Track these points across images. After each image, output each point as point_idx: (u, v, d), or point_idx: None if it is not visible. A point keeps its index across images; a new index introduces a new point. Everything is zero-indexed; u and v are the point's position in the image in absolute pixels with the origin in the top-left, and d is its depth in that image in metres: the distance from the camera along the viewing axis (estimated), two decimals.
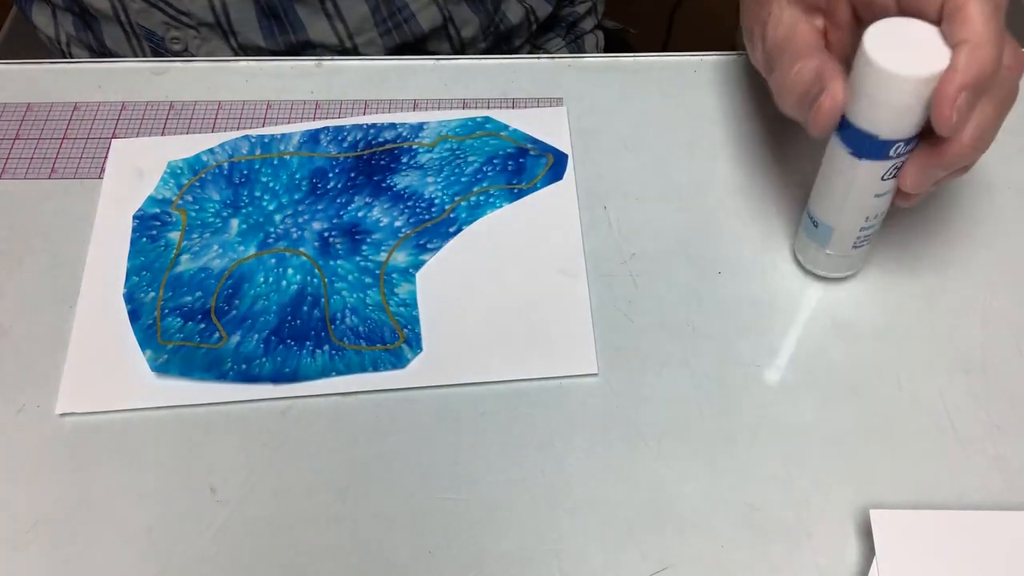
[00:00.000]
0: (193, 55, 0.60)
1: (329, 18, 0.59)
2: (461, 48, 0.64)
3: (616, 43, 0.80)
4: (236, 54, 0.60)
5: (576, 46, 0.73)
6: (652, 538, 0.41)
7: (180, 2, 0.58)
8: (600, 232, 0.50)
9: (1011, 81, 0.39)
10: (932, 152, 0.40)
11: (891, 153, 0.40)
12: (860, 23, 0.42)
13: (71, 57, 0.65)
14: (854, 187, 0.42)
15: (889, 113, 0.38)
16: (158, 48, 0.61)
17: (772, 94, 0.43)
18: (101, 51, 0.63)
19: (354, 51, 0.61)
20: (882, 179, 0.41)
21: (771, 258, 0.49)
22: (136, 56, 0.62)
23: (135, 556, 0.41)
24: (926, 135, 0.39)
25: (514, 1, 0.65)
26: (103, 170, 0.52)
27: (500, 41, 0.66)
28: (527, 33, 0.68)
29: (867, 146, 0.40)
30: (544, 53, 0.70)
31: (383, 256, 0.49)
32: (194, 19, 0.59)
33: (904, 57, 0.37)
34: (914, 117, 0.39)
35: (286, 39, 0.59)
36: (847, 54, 0.43)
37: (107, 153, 0.53)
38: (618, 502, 0.42)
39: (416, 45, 0.62)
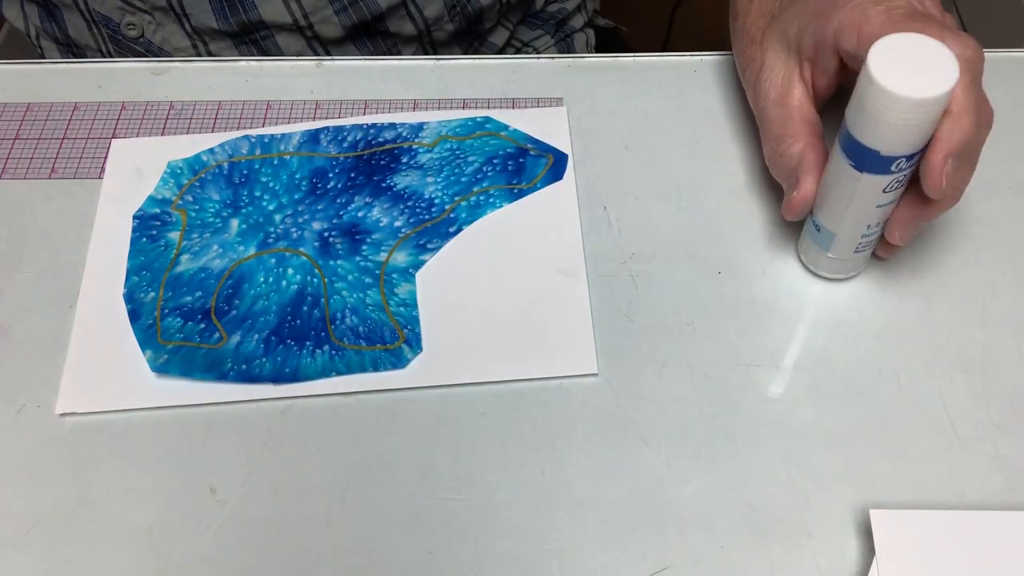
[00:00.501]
0: (150, 41, 0.60)
1: None
2: (427, 29, 0.62)
3: (614, 43, 0.80)
4: (191, 39, 0.60)
5: (565, 44, 0.72)
6: (652, 538, 0.41)
7: None
8: (600, 232, 0.50)
9: (984, 135, 0.42)
10: (918, 209, 0.43)
11: (892, 168, 0.40)
12: (847, 69, 0.45)
13: (41, 51, 0.65)
14: (856, 198, 0.42)
15: (891, 131, 0.38)
16: (115, 34, 0.60)
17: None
18: (66, 42, 0.63)
19: (309, 29, 0.60)
20: (884, 191, 0.41)
21: (771, 258, 0.49)
22: (97, 45, 0.62)
23: (135, 556, 0.41)
24: (909, 189, 0.42)
25: None
26: (103, 170, 0.52)
27: (470, 24, 0.65)
28: (496, 15, 0.66)
29: (869, 161, 0.40)
30: (533, 51, 0.70)
31: (383, 256, 0.49)
32: (147, 3, 0.59)
33: (907, 76, 0.37)
34: (916, 135, 0.39)
35: (239, 19, 0.58)
36: (831, 95, 0.47)
37: (107, 153, 0.53)
38: (618, 502, 0.42)
39: (376, 24, 0.61)
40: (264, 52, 0.61)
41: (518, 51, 0.70)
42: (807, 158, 0.45)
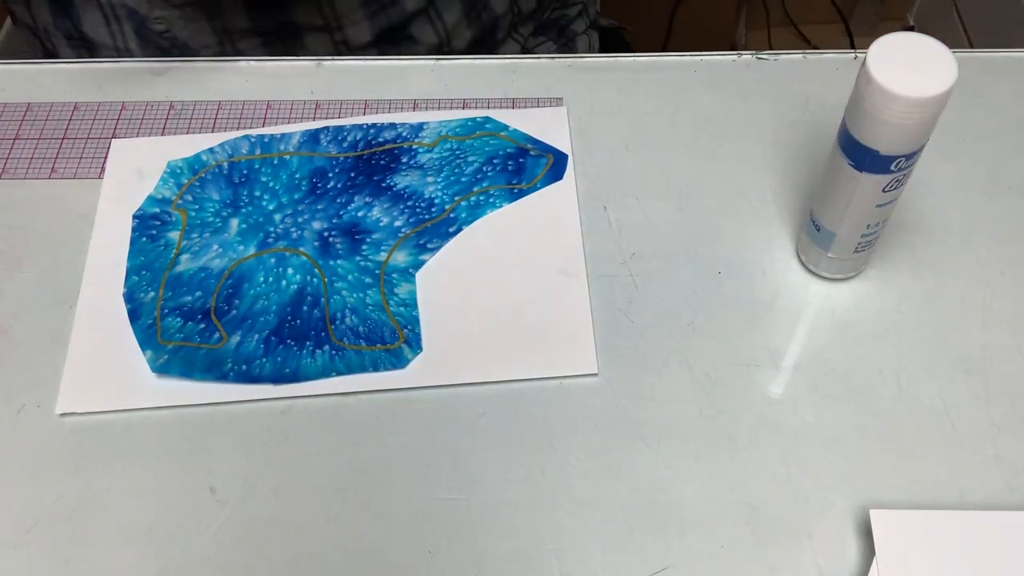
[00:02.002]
0: (176, 36, 0.60)
1: (317, 1, 0.58)
2: (447, 36, 0.63)
3: (615, 42, 0.80)
4: (219, 36, 0.60)
5: (568, 48, 0.72)
6: (652, 538, 0.41)
7: None
8: (600, 232, 0.50)
9: None
10: None
11: (892, 167, 0.40)
12: None
13: (53, 47, 0.65)
14: (856, 197, 0.42)
15: (890, 130, 0.38)
16: (140, 29, 0.60)
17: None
18: (80, 38, 0.63)
19: (339, 32, 0.60)
20: (883, 191, 0.41)
21: (771, 258, 0.49)
22: (115, 41, 0.62)
23: (135, 556, 0.41)
24: None
25: None
26: (103, 170, 0.52)
27: (485, 33, 0.66)
28: (509, 26, 0.67)
29: (868, 160, 0.40)
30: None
31: (383, 256, 0.49)
32: None
33: (906, 76, 0.37)
34: (915, 135, 0.39)
35: (271, 19, 0.59)
36: None
37: (107, 153, 0.53)
38: (618, 502, 0.42)
39: (400, 30, 0.62)
40: (289, 53, 0.61)
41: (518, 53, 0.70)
42: None
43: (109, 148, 0.53)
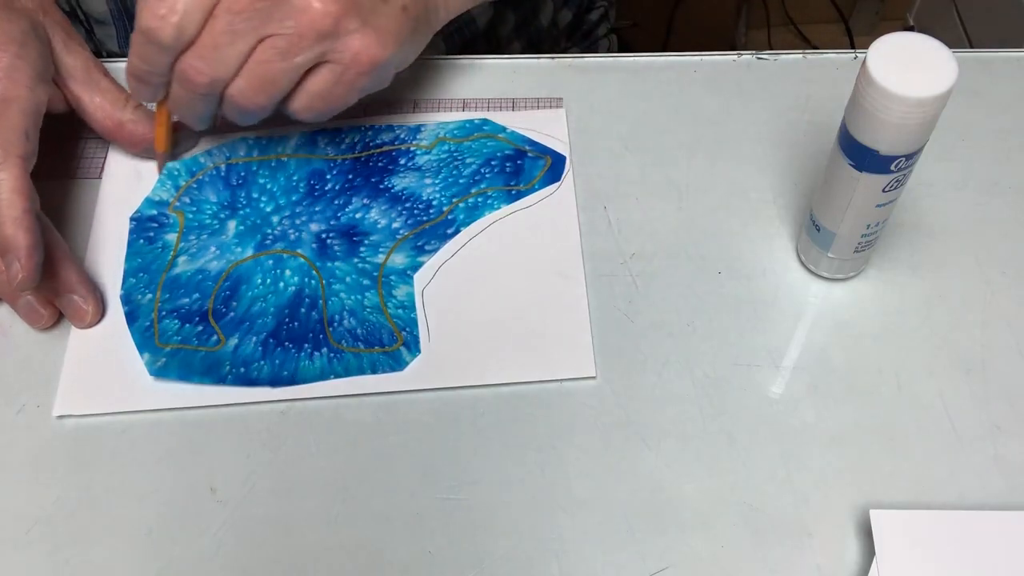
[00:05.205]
0: None
1: None
2: (499, 51, 0.63)
3: (616, 42, 0.80)
4: None
5: (591, 52, 0.73)
6: (652, 538, 0.41)
7: None
8: (600, 232, 0.50)
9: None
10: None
11: (892, 168, 0.40)
12: None
13: None
14: (856, 197, 0.42)
15: (890, 131, 0.38)
16: None
17: None
18: (107, 55, 0.63)
19: None
20: (883, 191, 0.41)
21: (771, 258, 0.49)
22: None
23: (135, 556, 0.41)
24: None
25: (549, 5, 0.64)
26: (103, 170, 0.52)
27: (532, 47, 0.66)
28: (551, 39, 0.67)
29: (868, 160, 0.40)
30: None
31: (381, 258, 0.49)
32: None
33: (906, 76, 0.37)
34: (915, 135, 0.39)
35: None
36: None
37: (106, 153, 0.53)
38: (618, 502, 0.42)
39: (467, 48, 0.62)
40: None
41: None
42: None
43: (109, 148, 0.53)
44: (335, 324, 0.46)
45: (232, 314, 0.47)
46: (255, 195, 0.51)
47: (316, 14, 0.42)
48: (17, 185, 0.42)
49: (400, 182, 0.51)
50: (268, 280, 0.48)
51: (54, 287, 0.45)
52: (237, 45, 0.42)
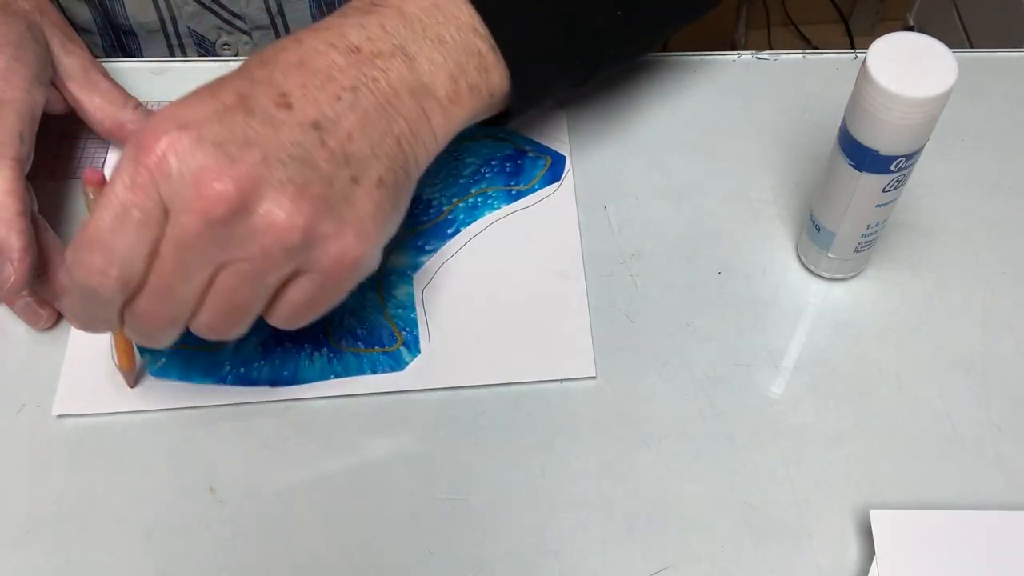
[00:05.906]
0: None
1: None
2: None
3: None
4: None
5: None
6: (652, 538, 0.41)
7: (235, 4, 0.58)
8: (600, 232, 0.50)
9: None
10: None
11: (892, 167, 0.40)
12: None
13: None
14: (856, 197, 0.42)
15: (890, 131, 0.38)
16: (207, 54, 0.60)
17: None
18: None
19: None
20: (883, 191, 0.41)
21: (770, 258, 0.49)
22: None
23: (135, 556, 0.41)
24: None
25: None
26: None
27: None
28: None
29: (868, 160, 0.40)
30: None
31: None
32: (249, 23, 0.59)
33: (907, 76, 0.37)
34: (916, 135, 0.39)
35: None
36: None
37: (106, 153, 0.53)
38: (618, 502, 0.42)
39: None
40: None
41: None
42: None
43: (109, 148, 0.53)
44: (335, 324, 0.46)
45: None
46: None
47: (281, 230, 0.35)
48: (11, 187, 0.42)
49: None
50: None
51: (52, 288, 0.45)
52: (193, 281, 0.36)
